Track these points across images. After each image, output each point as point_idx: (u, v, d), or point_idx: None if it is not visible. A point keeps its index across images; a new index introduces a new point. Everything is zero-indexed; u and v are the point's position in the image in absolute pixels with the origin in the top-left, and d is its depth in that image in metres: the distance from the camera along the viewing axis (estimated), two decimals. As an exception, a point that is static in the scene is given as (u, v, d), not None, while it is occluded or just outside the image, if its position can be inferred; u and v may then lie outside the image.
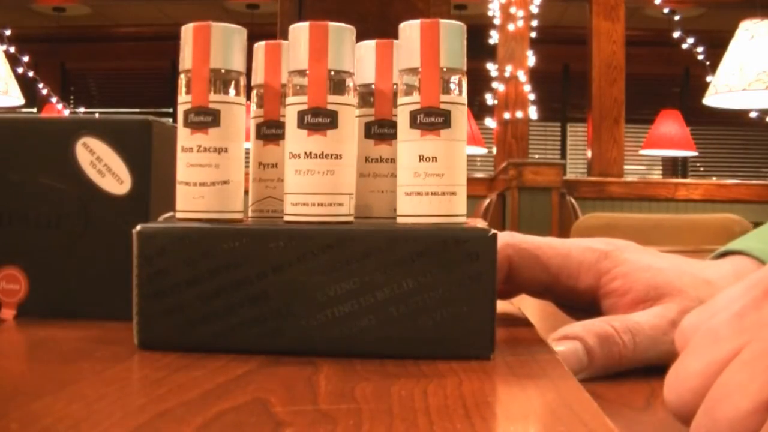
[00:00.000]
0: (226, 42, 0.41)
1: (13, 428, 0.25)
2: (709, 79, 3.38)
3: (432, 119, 0.39)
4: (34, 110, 5.31)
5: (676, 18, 4.49)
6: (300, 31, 0.40)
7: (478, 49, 3.94)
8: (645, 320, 0.46)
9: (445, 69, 0.39)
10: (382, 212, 0.43)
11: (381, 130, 0.43)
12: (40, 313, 0.48)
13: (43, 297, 0.49)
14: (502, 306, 0.55)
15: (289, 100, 0.40)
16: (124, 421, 0.27)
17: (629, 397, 0.41)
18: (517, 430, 0.27)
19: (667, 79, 5.77)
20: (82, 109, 6.05)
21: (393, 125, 0.42)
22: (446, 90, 0.39)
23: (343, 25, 0.40)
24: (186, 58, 0.41)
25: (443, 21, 0.39)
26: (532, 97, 4.24)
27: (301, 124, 0.40)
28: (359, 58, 0.43)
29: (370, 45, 0.43)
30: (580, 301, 0.51)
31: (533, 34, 4.27)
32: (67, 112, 5.45)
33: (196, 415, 0.27)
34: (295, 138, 0.40)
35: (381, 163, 0.43)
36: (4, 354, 0.41)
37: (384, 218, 0.43)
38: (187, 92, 0.41)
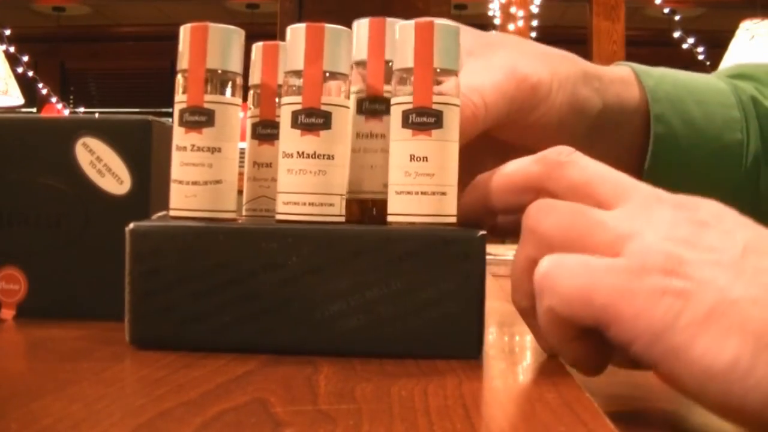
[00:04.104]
0: (223, 43, 0.41)
1: (12, 428, 0.25)
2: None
3: (424, 119, 0.39)
4: (34, 110, 5.31)
5: (677, 18, 4.49)
6: (297, 32, 0.40)
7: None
8: (484, 78, 0.45)
9: (438, 70, 0.39)
10: (373, 187, 0.43)
11: (372, 106, 0.43)
12: (39, 313, 0.48)
13: (42, 297, 0.49)
14: (502, 307, 0.55)
15: (284, 100, 0.40)
16: (124, 421, 0.27)
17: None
18: (517, 430, 0.27)
19: (667, 79, 5.76)
20: (82, 109, 6.05)
21: (384, 101, 0.42)
22: (439, 91, 0.39)
23: (339, 27, 0.41)
24: (183, 58, 0.41)
25: (437, 21, 0.39)
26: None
27: (295, 124, 0.40)
28: (355, 35, 0.43)
29: (363, 23, 0.43)
30: None
31: (533, 34, 4.26)
32: (66, 112, 5.46)
33: (196, 415, 0.27)
34: (288, 138, 0.40)
35: (372, 138, 0.43)
36: (4, 354, 0.41)
37: (375, 192, 0.43)
38: (183, 92, 0.41)
